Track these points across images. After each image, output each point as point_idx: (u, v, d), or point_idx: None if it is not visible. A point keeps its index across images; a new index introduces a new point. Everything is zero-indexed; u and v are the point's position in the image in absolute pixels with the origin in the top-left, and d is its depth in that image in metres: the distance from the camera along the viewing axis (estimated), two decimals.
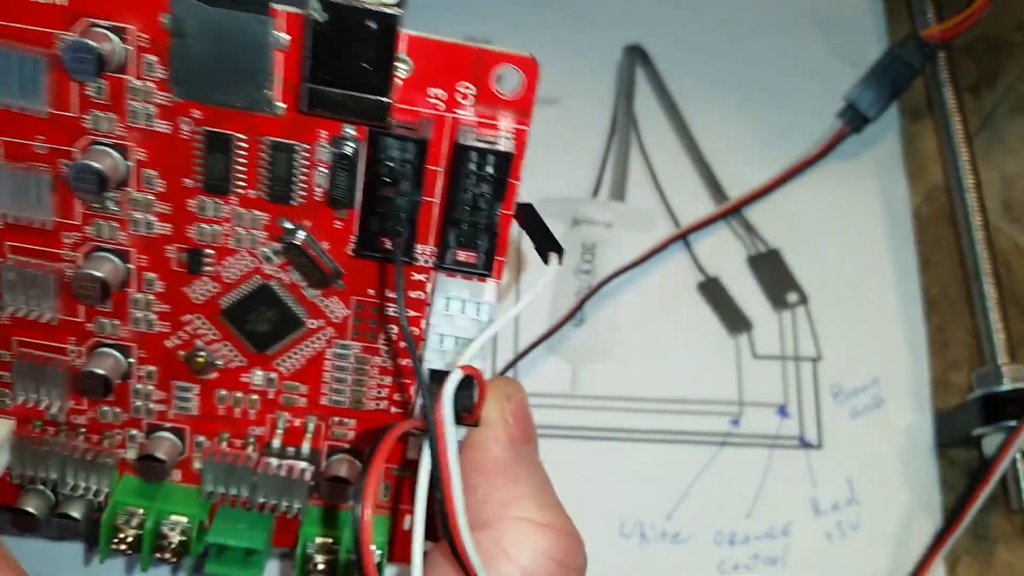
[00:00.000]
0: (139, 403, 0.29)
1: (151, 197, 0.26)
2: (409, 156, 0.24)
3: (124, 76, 0.24)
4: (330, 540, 0.30)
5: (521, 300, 0.25)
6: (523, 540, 0.25)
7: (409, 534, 0.27)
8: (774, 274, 0.46)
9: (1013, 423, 0.40)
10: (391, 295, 0.27)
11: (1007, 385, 0.41)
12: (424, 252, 0.26)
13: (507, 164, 0.24)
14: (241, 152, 0.25)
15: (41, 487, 0.29)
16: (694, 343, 0.44)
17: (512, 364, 0.43)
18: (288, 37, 0.24)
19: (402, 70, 0.24)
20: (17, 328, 0.28)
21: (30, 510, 0.29)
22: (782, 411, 0.43)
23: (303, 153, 0.25)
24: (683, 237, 0.46)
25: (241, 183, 0.26)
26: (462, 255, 0.26)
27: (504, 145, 0.25)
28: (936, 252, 0.46)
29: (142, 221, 0.27)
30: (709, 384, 0.43)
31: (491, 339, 0.25)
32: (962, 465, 0.43)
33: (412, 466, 0.29)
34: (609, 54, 0.49)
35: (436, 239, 0.26)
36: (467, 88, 0.25)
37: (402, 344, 0.28)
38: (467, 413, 0.26)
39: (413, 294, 0.27)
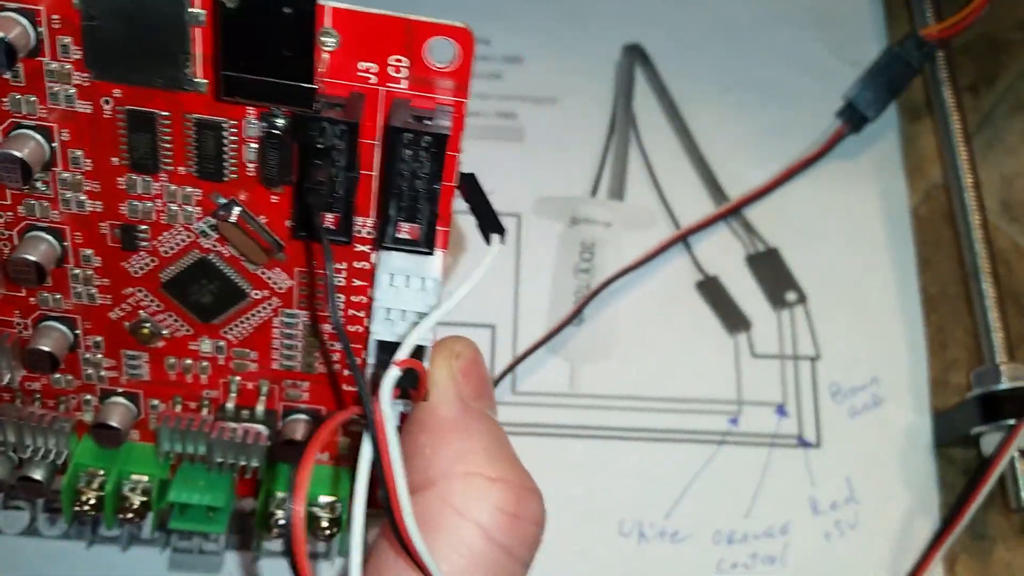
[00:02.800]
0: (90, 371, 0.29)
1: (79, 177, 0.26)
2: (340, 137, 0.23)
3: (40, 59, 0.24)
4: (278, 493, 0.30)
5: (460, 289, 0.24)
6: (473, 495, 0.24)
7: (375, 483, 0.25)
8: (773, 273, 0.46)
9: (1012, 422, 0.40)
10: (339, 266, 0.27)
11: (1006, 384, 0.41)
12: (365, 224, 0.25)
13: (443, 143, 0.23)
14: (166, 130, 0.24)
15: (2, 451, 0.30)
16: (693, 342, 0.44)
17: (512, 367, 0.43)
18: (204, 12, 0.22)
19: (329, 44, 0.23)
20: None
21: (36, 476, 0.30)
22: (781, 410, 0.43)
23: (231, 130, 0.24)
24: (682, 236, 0.46)
25: (168, 161, 0.25)
26: (404, 230, 0.25)
27: (440, 122, 0.23)
28: (935, 251, 0.46)
29: (72, 200, 0.26)
30: (708, 383, 0.43)
31: (432, 326, 0.25)
32: (961, 464, 0.43)
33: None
34: (608, 53, 0.49)
35: (376, 211, 0.25)
36: (399, 61, 0.23)
37: (351, 312, 0.27)
38: (414, 390, 0.25)
39: (359, 265, 0.26)
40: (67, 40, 0.23)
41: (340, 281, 0.27)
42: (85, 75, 0.24)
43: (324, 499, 0.30)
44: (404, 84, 0.24)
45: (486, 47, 0.49)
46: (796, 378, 0.44)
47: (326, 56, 0.23)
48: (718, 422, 0.43)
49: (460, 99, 0.24)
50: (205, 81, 0.24)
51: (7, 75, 0.24)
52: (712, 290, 0.45)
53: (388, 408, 0.23)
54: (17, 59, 0.23)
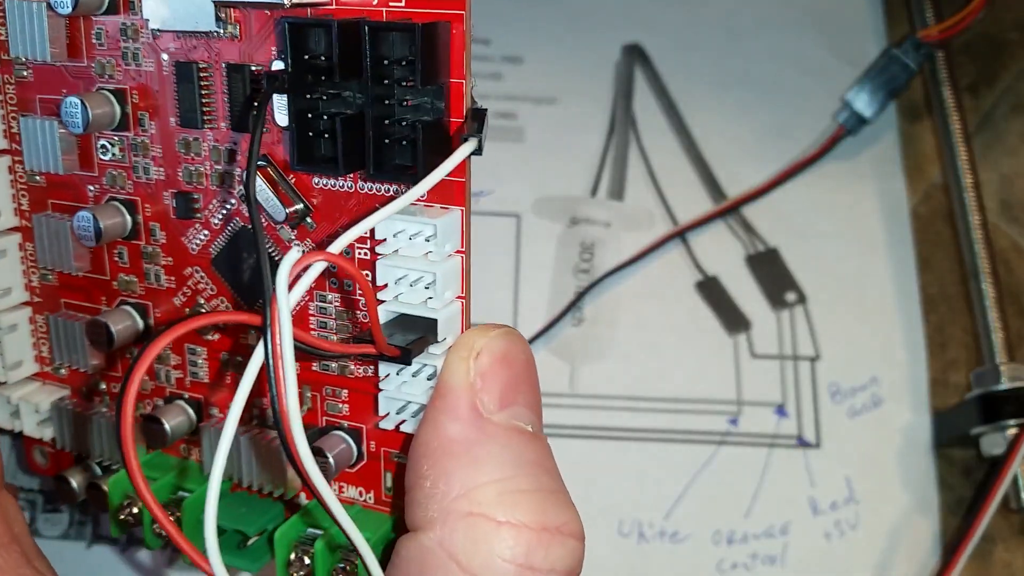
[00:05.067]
0: (159, 368, 0.29)
1: (146, 140, 0.27)
2: (321, 41, 0.22)
3: (116, 17, 0.26)
4: (319, 531, 0.27)
5: (424, 181, 0.22)
6: (473, 543, 0.19)
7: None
8: (772, 273, 0.46)
9: (1011, 422, 0.40)
10: (362, 242, 0.24)
11: (1005, 384, 0.41)
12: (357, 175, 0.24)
13: (423, 40, 0.21)
14: (206, 80, 0.25)
15: (87, 459, 0.30)
16: (692, 342, 0.44)
17: None
18: None
19: None
20: (63, 290, 0.29)
21: (71, 480, 0.30)
22: (780, 410, 0.43)
23: (257, 75, 0.25)
24: (681, 236, 0.46)
25: (211, 115, 0.26)
26: (399, 165, 0.23)
27: (419, 22, 0.22)
28: (935, 251, 0.46)
29: (141, 166, 0.27)
30: (707, 383, 0.43)
31: (394, 212, 0.22)
32: (960, 464, 0.43)
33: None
34: (608, 54, 0.49)
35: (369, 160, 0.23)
36: None
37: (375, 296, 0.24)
38: (402, 352, 0.21)
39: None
40: None
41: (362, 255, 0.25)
42: (148, 31, 0.26)
43: (310, 530, 0.27)
44: (403, 2, 0.23)
45: (486, 47, 0.49)
46: (796, 378, 0.44)
47: None
48: (718, 422, 0.43)
49: (459, 10, 0.22)
50: (236, 25, 0.25)
51: (93, 38, 0.26)
52: (712, 290, 0.45)
53: (284, 300, 0.19)
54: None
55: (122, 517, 0.29)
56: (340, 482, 0.27)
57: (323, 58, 0.23)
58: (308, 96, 0.23)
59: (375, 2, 0.23)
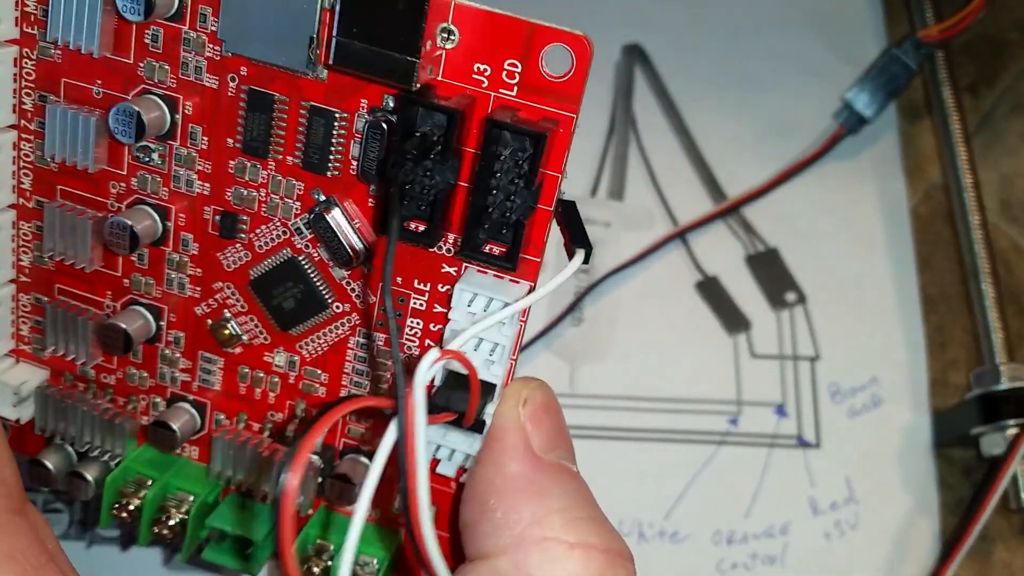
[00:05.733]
0: (165, 369, 0.29)
1: (194, 153, 0.26)
2: (438, 128, 0.23)
3: (179, 25, 0.25)
4: (330, 545, 0.29)
5: (535, 292, 0.24)
6: (549, 564, 0.22)
7: (410, 552, 0.23)
8: (772, 273, 0.46)
9: (1011, 422, 0.40)
10: (421, 287, 0.25)
11: (1005, 384, 0.41)
12: (449, 241, 0.25)
13: (541, 147, 0.22)
14: (282, 114, 0.25)
15: (62, 443, 0.30)
16: (692, 342, 0.44)
17: None
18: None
19: (449, 40, 0.23)
20: (60, 275, 0.28)
21: (47, 464, 0.29)
22: (780, 410, 0.43)
23: (342, 121, 0.25)
24: (681, 236, 0.46)
25: (279, 147, 0.25)
26: (488, 246, 0.24)
27: (540, 128, 0.22)
28: (934, 251, 0.46)
29: (183, 177, 0.27)
30: (707, 383, 0.43)
31: (494, 323, 0.23)
32: (960, 464, 0.43)
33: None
34: (608, 54, 0.49)
35: (462, 228, 0.24)
36: (514, 66, 0.23)
37: (427, 343, 0.26)
38: (461, 415, 0.23)
39: (442, 288, 0.26)
40: (207, 10, 0.24)
41: (420, 305, 0.26)
42: (217, 48, 0.25)
43: (319, 542, 0.29)
44: (514, 91, 0.23)
45: None
46: (796, 378, 0.44)
47: (441, 54, 0.23)
48: (718, 422, 0.43)
49: (570, 113, 0.23)
50: (326, 70, 0.24)
51: (147, 38, 0.25)
52: (712, 290, 0.45)
53: (421, 393, 0.20)
54: (153, 11, 0.24)
55: (116, 513, 0.29)
56: None
57: (436, 137, 0.23)
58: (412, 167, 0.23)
59: (485, 84, 0.23)
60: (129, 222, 0.26)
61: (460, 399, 0.23)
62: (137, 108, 0.25)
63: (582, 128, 0.54)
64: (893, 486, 0.42)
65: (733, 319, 0.45)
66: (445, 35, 0.23)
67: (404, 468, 0.20)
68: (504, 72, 0.23)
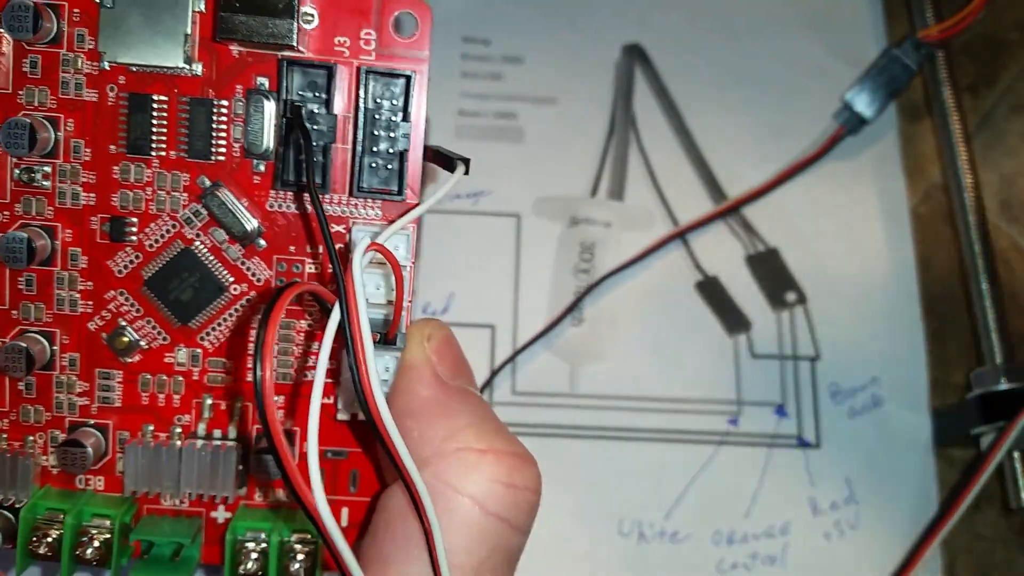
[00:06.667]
0: (62, 397, 0.29)
1: (78, 167, 0.28)
2: (320, 84, 0.27)
3: (56, 49, 0.27)
4: (261, 532, 0.28)
5: (428, 199, 0.26)
6: (466, 470, 0.24)
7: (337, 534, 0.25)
8: (773, 273, 0.46)
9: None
10: (311, 251, 0.28)
11: (1005, 384, 0.41)
12: (338, 197, 0.28)
13: (411, 85, 0.27)
14: (163, 112, 0.27)
15: None
16: (692, 342, 0.44)
17: (511, 359, 0.43)
18: (205, 3, 0.27)
19: (310, 22, 0.27)
20: None
21: None
22: (780, 410, 0.43)
23: (221, 108, 0.27)
24: (681, 236, 0.46)
25: (162, 143, 0.28)
26: (376, 182, 0.28)
27: (406, 71, 0.27)
28: (935, 251, 0.46)
29: (68, 192, 0.28)
30: (707, 383, 0.43)
31: (405, 230, 0.26)
32: (960, 464, 0.43)
33: (347, 444, 0.29)
34: (608, 54, 0.49)
35: (350, 181, 0.28)
36: (369, 35, 0.27)
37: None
38: (382, 336, 0.26)
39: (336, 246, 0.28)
40: (83, 31, 0.27)
41: (316, 269, 0.28)
42: (94, 63, 0.27)
43: (250, 532, 0.28)
44: (372, 56, 0.27)
45: (486, 47, 0.49)
46: (796, 378, 0.44)
47: (305, 31, 0.27)
48: (718, 422, 0.43)
49: (423, 64, 0.28)
50: (200, 63, 0.27)
51: (25, 67, 0.27)
52: (712, 290, 0.45)
53: (359, 272, 0.23)
54: (39, 28, 0.26)
55: (34, 550, 0.27)
56: (266, 487, 0.29)
57: (319, 94, 0.27)
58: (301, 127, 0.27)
59: (347, 54, 0.28)
60: (25, 235, 0.27)
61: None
62: (29, 120, 0.27)
63: (582, 128, 0.54)
64: (893, 486, 0.42)
65: (733, 319, 0.45)
66: (308, 18, 0.27)
67: (351, 338, 0.22)
68: (361, 40, 0.27)
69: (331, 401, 0.29)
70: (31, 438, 0.29)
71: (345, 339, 0.23)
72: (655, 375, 0.43)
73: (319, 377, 0.22)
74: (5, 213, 0.28)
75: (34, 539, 0.28)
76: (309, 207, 0.28)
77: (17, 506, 0.28)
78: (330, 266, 0.28)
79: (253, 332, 0.28)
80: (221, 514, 0.29)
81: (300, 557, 0.28)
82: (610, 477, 0.42)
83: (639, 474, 0.42)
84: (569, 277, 0.45)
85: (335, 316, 0.23)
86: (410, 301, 0.27)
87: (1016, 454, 0.40)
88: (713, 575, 0.41)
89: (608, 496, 0.42)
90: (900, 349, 0.45)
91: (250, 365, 0.28)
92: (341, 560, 0.22)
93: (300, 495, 0.22)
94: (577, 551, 0.41)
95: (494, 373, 0.43)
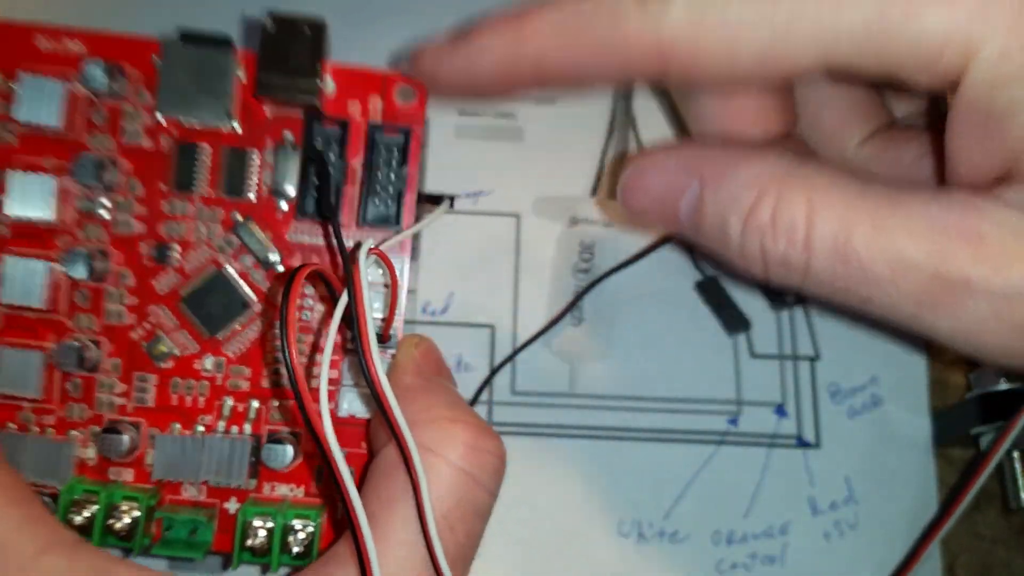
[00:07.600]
0: (103, 396, 0.34)
1: (132, 200, 0.34)
2: (336, 136, 0.34)
3: (118, 102, 0.34)
4: (268, 516, 0.32)
5: (418, 224, 0.34)
6: (439, 435, 0.29)
7: (340, 524, 0.32)
8: None
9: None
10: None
11: (1005, 384, 0.41)
12: (346, 229, 0.34)
13: (409, 138, 0.34)
14: (205, 158, 0.34)
15: None
16: (692, 342, 0.44)
17: (510, 358, 0.43)
18: (245, 72, 0.33)
19: (328, 88, 0.34)
20: (8, 329, 0.34)
21: None
22: (780, 410, 0.43)
23: (254, 157, 0.34)
24: (681, 236, 0.46)
25: (204, 184, 0.34)
26: (378, 215, 0.34)
27: (406, 127, 0.34)
28: None
29: (122, 221, 0.34)
30: (707, 383, 0.43)
31: (400, 244, 0.34)
32: (960, 464, 0.43)
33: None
34: None
35: (356, 214, 0.34)
36: (376, 100, 0.34)
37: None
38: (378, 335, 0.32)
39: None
40: (143, 89, 0.34)
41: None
42: (151, 116, 0.34)
43: (258, 520, 0.32)
44: (379, 117, 0.34)
45: None
46: (795, 378, 0.44)
47: (327, 94, 0.34)
48: (717, 422, 0.43)
49: (418, 125, 0.34)
50: (238, 120, 0.34)
51: (94, 118, 0.33)
52: (711, 290, 0.45)
53: (363, 264, 0.28)
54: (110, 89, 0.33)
55: (70, 521, 0.32)
56: (272, 482, 0.34)
57: (334, 144, 0.34)
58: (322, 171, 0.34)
59: (358, 115, 0.34)
60: (94, 156, 0.33)
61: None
62: (95, 156, 0.33)
63: (582, 128, 0.54)
64: (893, 486, 0.42)
65: (733, 319, 0.45)
66: (328, 85, 0.34)
67: (356, 317, 0.27)
68: (370, 104, 0.34)
69: (332, 407, 0.33)
70: (73, 432, 0.34)
71: (352, 317, 0.27)
72: (655, 375, 0.43)
73: (332, 334, 0.27)
74: (67, 237, 0.33)
75: (71, 513, 0.32)
76: (321, 240, 0.34)
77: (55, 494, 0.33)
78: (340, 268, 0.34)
79: (270, 343, 0.34)
80: (233, 505, 0.33)
81: (301, 536, 0.32)
82: (609, 477, 0.42)
83: (638, 474, 0.42)
84: (569, 277, 0.45)
85: (343, 300, 0.28)
86: (408, 292, 0.33)
87: (1016, 454, 0.40)
88: (712, 575, 0.41)
89: (607, 496, 0.42)
90: (900, 349, 0.45)
91: (264, 373, 0.34)
92: (341, 481, 0.27)
93: (306, 407, 0.26)
94: (577, 551, 0.41)
95: (493, 372, 0.43)
